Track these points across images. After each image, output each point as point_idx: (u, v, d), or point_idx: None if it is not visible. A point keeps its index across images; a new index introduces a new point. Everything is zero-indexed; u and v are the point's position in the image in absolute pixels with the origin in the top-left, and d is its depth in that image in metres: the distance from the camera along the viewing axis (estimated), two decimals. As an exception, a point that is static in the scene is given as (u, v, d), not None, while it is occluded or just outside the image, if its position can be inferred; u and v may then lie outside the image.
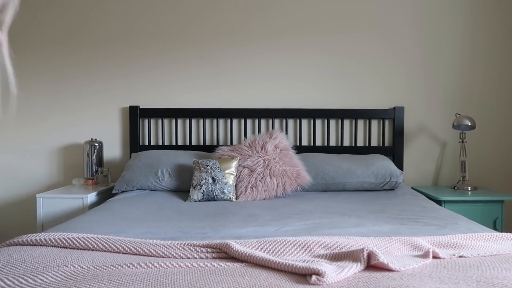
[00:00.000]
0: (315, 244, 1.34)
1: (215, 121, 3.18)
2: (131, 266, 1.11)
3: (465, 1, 3.10)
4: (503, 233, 1.58)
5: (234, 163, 2.60)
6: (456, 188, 2.92)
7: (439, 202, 2.62)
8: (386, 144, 3.12)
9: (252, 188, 2.52)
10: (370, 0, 3.12)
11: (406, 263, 1.20)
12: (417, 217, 1.98)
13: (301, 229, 1.77)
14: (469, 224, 1.85)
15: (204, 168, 2.54)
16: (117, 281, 1.02)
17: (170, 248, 1.32)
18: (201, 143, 3.18)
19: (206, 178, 2.49)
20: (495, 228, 2.60)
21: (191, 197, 2.46)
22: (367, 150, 3.09)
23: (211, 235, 1.66)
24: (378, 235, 1.62)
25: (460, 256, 1.30)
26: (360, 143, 3.15)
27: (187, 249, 1.32)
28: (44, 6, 3.21)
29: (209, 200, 2.46)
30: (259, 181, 2.53)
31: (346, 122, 3.15)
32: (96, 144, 3.06)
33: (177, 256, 1.28)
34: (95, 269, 1.13)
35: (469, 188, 2.88)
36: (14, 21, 0.60)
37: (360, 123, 3.15)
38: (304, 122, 3.17)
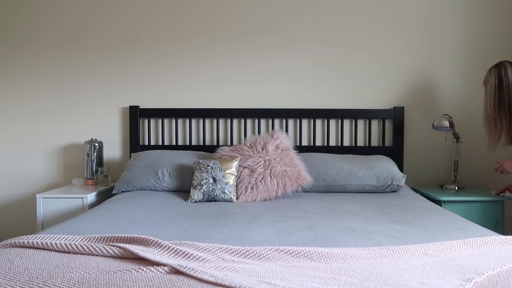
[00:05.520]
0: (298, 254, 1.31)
1: (215, 121, 3.18)
2: (139, 270, 1.10)
3: (466, 3, 3.11)
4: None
5: (235, 163, 2.59)
6: (457, 187, 2.93)
7: (439, 202, 2.63)
8: (386, 144, 3.13)
9: (252, 188, 2.51)
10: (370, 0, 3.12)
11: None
12: (423, 219, 1.97)
13: (307, 234, 1.70)
14: (478, 229, 1.79)
15: (204, 168, 2.53)
16: (127, 285, 1.01)
17: (176, 251, 1.31)
18: (201, 143, 3.18)
19: (206, 178, 2.49)
20: (496, 228, 2.61)
21: (192, 197, 2.45)
22: (367, 150, 3.09)
23: (218, 237, 1.63)
24: (389, 239, 1.61)
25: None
26: (360, 143, 3.15)
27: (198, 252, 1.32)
28: (44, 8, 3.20)
29: (210, 201, 2.45)
30: (259, 181, 2.52)
31: (346, 122, 3.16)
32: (96, 144, 3.06)
33: (189, 259, 1.27)
34: (102, 274, 1.12)
35: (470, 188, 2.89)
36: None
37: (360, 123, 3.15)
38: (304, 122, 3.17)
